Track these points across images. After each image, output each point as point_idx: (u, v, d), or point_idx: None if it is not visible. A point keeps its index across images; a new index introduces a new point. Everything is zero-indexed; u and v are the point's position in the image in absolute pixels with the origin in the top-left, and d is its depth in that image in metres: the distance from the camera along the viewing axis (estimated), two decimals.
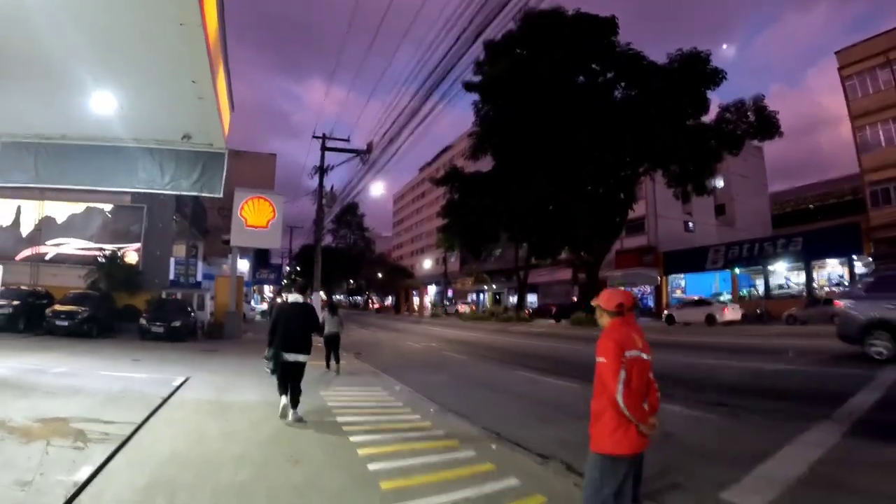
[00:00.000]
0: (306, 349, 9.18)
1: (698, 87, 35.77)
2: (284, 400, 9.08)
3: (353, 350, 23.31)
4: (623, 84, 38.13)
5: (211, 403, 10.27)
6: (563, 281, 60.36)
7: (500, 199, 41.00)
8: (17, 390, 10.02)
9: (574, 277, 55.35)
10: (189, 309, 26.80)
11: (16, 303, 23.15)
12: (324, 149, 34.74)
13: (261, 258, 58.83)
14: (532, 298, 67.44)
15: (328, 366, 16.19)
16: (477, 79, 39.20)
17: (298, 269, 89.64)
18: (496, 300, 76.23)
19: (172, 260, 37.50)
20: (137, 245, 31.72)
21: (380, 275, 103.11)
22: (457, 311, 73.84)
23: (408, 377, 15.52)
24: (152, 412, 9.08)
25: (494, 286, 76.76)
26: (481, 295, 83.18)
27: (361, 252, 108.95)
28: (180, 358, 17.53)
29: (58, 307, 23.13)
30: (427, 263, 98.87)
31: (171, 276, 36.63)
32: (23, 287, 26.38)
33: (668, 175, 39.11)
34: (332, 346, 16.36)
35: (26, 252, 32.34)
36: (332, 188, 35.25)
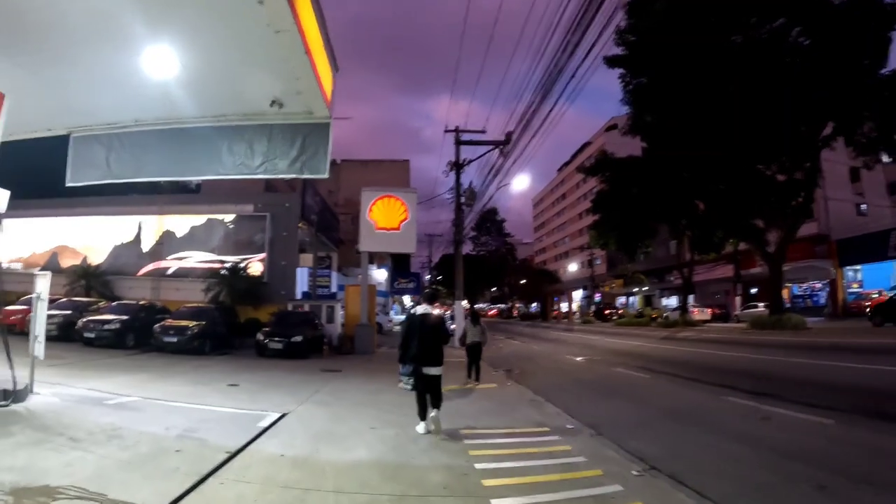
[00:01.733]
0: (441, 361, 8.90)
1: (877, 28, 28.67)
2: (422, 428, 8.68)
3: (503, 366, 19.89)
4: (795, 32, 31.11)
5: (296, 465, 6.84)
6: (723, 279, 53.90)
7: (656, 186, 35.80)
8: (41, 432, 7.60)
9: (736, 274, 49.55)
10: (316, 322, 24.33)
11: (124, 318, 21.65)
12: (458, 143, 31.43)
13: (399, 266, 56.20)
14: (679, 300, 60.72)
15: (469, 375, 15.60)
16: (619, 51, 33.83)
17: (439, 277, 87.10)
18: (648, 303, 70.46)
19: (303, 271, 35.41)
20: (262, 255, 29.61)
21: (523, 281, 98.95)
22: (611, 315, 67.91)
23: (579, 407, 11.49)
24: (194, 485, 5.86)
25: (646, 288, 70.53)
26: (631, 298, 77.34)
27: (503, 258, 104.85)
28: (291, 381, 14.58)
29: (168, 322, 21.46)
30: (572, 267, 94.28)
31: (305, 288, 34.68)
32: (138, 302, 25.14)
33: (855, 141, 31.90)
34: (474, 356, 15.81)
35: (148, 267, 31.73)
36: (470, 184, 31.55)
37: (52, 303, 23.11)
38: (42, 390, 10.51)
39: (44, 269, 32.20)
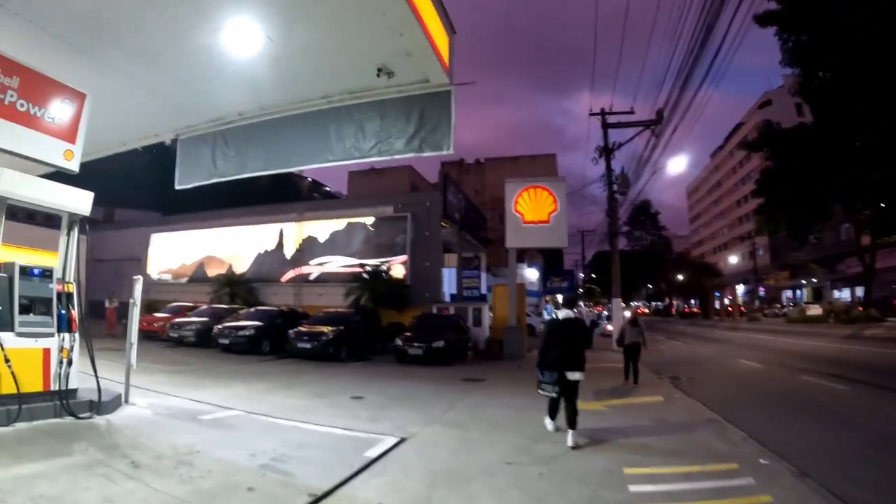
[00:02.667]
0: (582, 366, 8.44)
1: None
2: (550, 425, 8.76)
3: (667, 373, 17.35)
4: None
5: None
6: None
7: (829, 158, 30.54)
8: (104, 452, 6.55)
9: None
10: (461, 325, 22.55)
11: (258, 324, 21.44)
12: (605, 125, 28.90)
13: (551, 264, 53.73)
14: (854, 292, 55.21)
15: (626, 377, 15.15)
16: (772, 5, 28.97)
17: (593, 276, 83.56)
18: (817, 296, 63.53)
19: (451, 272, 34.30)
20: (404, 257, 28.11)
21: (680, 277, 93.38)
22: (780, 309, 62.00)
23: (769, 431, 8.99)
24: None
25: (814, 280, 64.43)
26: (798, 291, 71.02)
27: (659, 252, 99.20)
28: (424, 393, 12.84)
29: (303, 328, 20.67)
30: (732, 259, 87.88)
31: (452, 290, 33.51)
32: (279, 307, 24.88)
33: None
34: (632, 357, 15.29)
35: (290, 273, 31.30)
36: (622, 170, 28.78)
37: (192, 310, 24.46)
38: (139, 400, 9.78)
39: (191, 279, 33.33)
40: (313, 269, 30.48)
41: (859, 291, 52.34)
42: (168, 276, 37.06)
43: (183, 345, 21.90)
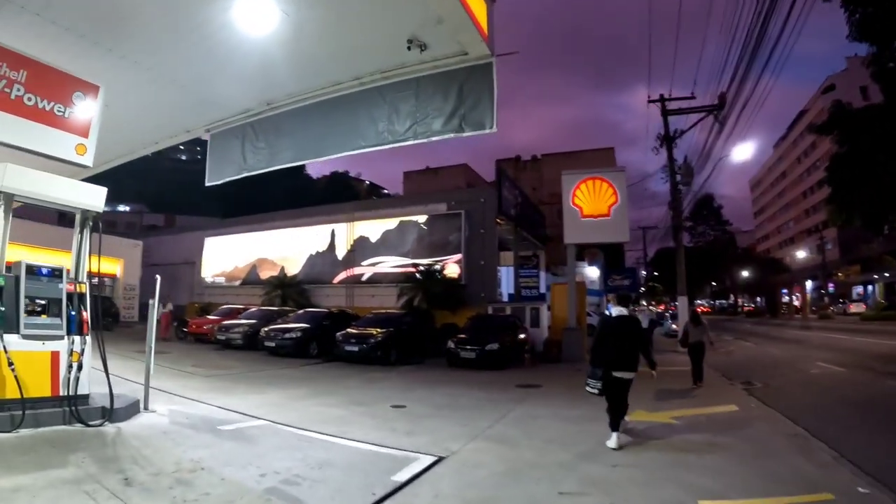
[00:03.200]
0: (633, 366, 8.19)
1: None
2: (613, 442, 7.78)
3: (739, 378, 15.92)
4: None
5: None
6: None
7: None
8: (100, 465, 6.05)
9: None
10: (517, 326, 21.32)
11: (305, 326, 20.88)
12: (665, 112, 27.61)
13: (613, 262, 51.98)
14: None
15: (695, 381, 14.56)
16: None
17: (656, 273, 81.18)
18: (891, 292, 59.12)
19: (509, 271, 32.85)
20: (458, 256, 27.24)
21: (745, 273, 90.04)
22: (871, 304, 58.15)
23: (864, 449, 7.70)
24: None
25: (887, 274, 59.62)
26: (870, 287, 66.13)
27: (724, 249, 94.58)
28: (473, 402, 11.70)
29: (351, 330, 20.01)
30: (800, 254, 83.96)
31: (510, 289, 32.11)
32: (329, 309, 24.32)
33: None
34: (697, 357, 14.88)
35: (342, 275, 30.90)
36: (685, 159, 27.48)
37: (241, 312, 25.08)
38: (160, 407, 9.26)
39: (244, 281, 33.23)
40: (365, 269, 29.90)
41: None
42: (222, 279, 37.37)
43: (230, 347, 21.62)
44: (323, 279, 31.35)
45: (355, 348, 18.65)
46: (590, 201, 21.93)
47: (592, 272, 46.64)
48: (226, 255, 37.52)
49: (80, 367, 7.86)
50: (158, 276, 9.68)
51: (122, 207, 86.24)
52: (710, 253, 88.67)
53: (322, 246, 32.12)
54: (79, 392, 7.80)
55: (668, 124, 27.38)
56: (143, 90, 12.13)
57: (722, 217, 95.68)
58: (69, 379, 7.74)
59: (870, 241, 55.70)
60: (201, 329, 23.82)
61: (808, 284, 78.96)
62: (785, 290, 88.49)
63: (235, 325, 22.83)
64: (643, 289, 62.90)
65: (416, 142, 11.47)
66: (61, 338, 7.78)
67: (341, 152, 12.92)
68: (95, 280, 8.55)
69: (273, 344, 20.00)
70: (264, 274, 34.09)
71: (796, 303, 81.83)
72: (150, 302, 9.24)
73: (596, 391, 8.17)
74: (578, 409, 10.64)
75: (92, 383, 8.12)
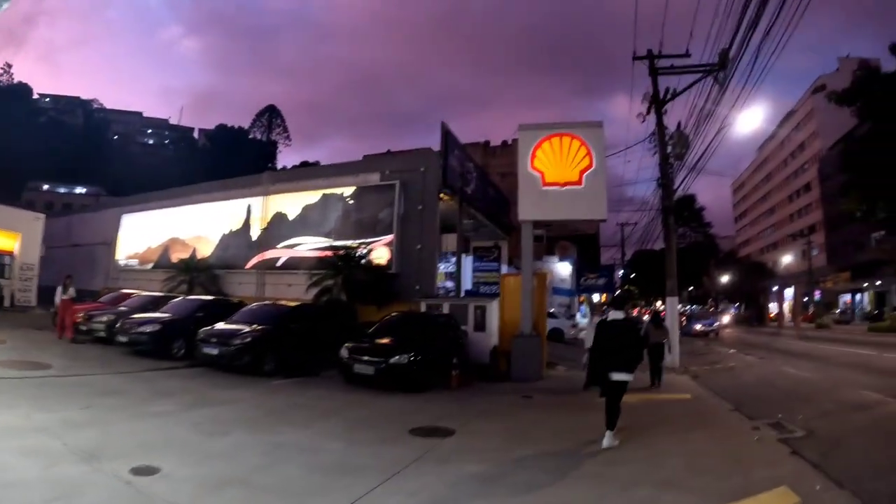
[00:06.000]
0: (630, 368, 8.46)
1: None
2: (607, 441, 8.19)
3: (761, 413, 10.91)
4: None
5: None
6: None
7: None
8: None
9: None
10: (452, 330, 16.06)
11: (169, 318, 16.41)
12: (654, 72, 22.24)
13: (587, 257, 47.09)
14: None
15: (652, 382, 14.47)
16: None
17: (633, 276, 76.47)
18: (881, 301, 56.45)
19: (468, 262, 28.71)
20: (389, 237, 21.66)
21: (724, 278, 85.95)
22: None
23: None
24: None
25: (878, 283, 56.99)
26: (858, 295, 63.72)
27: (705, 251, 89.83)
28: (303, 471, 6.74)
29: (219, 326, 14.99)
30: (785, 259, 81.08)
31: (469, 285, 28.17)
32: (217, 298, 20.55)
33: None
34: (656, 357, 14.99)
35: (255, 259, 25.36)
36: (679, 125, 21.95)
37: (123, 301, 20.42)
38: None
39: (156, 265, 29.00)
40: (281, 252, 24.34)
41: None
42: (135, 262, 32.07)
43: (95, 340, 17.46)
44: (237, 264, 25.92)
45: (215, 351, 13.96)
46: (555, 165, 16.54)
47: (563, 268, 42.77)
48: (141, 234, 32.16)
49: None
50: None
51: (79, 190, 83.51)
52: (690, 255, 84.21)
53: (237, 224, 26.63)
54: None
55: (658, 85, 22.03)
56: None
57: (703, 219, 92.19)
58: None
59: (862, 246, 54.34)
60: (76, 318, 18.57)
61: (789, 291, 76.40)
62: (769, 296, 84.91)
63: (100, 313, 18.40)
64: (619, 291, 57.87)
65: None
66: None
67: None
68: None
69: (125, 339, 15.77)
70: (176, 256, 28.96)
71: (779, 310, 77.79)
72: None
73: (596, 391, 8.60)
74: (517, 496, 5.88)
75: None
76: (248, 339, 13.85)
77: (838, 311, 62.74)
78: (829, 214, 66.03)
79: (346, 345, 13.43)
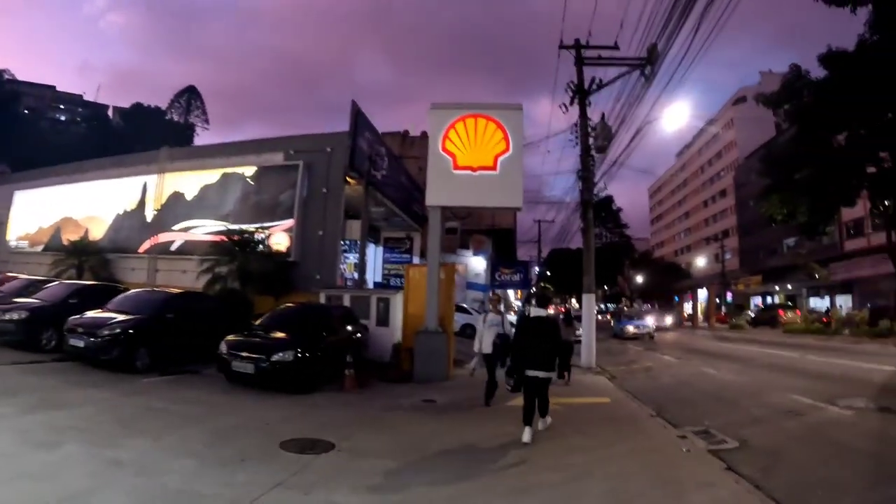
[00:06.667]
0: (548, 365, 8.50)
1: None
2: (527, 436, 8.20)
3: (684, 418, 10.36)
4: None
5: None
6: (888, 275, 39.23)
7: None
8: None
9: None
10: (349, 325, 14.85)
11: (36, 305, 14.50)
12: (580, 62, 21.20)
13: (503, 252, 46.25)
14: (840, 301, 48.74)
15: (560, 375, 11.18)
16: None
17: (548, 273, 76.35)
18: (792, 303, 57.06)
19: (377, 252, 27.83)
20: (290, 222, 20.26)
21: (639, 279, 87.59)
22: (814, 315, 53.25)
23: None
24: None
25: (789, 287, 58.67)
26: (769, 298, 65.26)
27: (621, 251, 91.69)
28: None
29: (91, 314, 13.21)
30: (699, 262, 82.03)
31: (378, 277, 27.80)
32: (99, 283, 18.25)
33: None
34: (565, 354, 13.80)
35: (148, 243, 23.50)
36: (602, 117, 21.01)
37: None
38: None
39: (47, 247, 26.21)
40: (176, 236, 22.63)
41: (840, 300, 48.00)
42: (25, 244, 29.71)
43: None
44: (130, 247, 24.06)
45: (81, 343, 12.20)
46: (468, 147, 15.35)
47: (478, 263, 41.94)
48: (34, 213, 29.78)
49: None
50: None
51: None
52: (607, 255, 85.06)
53: (131, 204, 24.73)
54: None
55: (583, 76, 21.05)
56: None
57: (620, 220, 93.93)
58: None
59: (774, 251, 56.85)
60: None
61: (703, 293, 77.92)
62: (678, 298, 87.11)
63: None
64: (534, 288, 57.51)
65: None
66: None
67: None
68: None
69: None
70: (68, 238, 26.56)
71: (693, 310, 79.93)
72: None
73: (508, 387, 8.60)
74: None
75: None
76: (118, 331, 12.22)
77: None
78: (742, 220, 68.67)
79: (227, 338, 11.95)
